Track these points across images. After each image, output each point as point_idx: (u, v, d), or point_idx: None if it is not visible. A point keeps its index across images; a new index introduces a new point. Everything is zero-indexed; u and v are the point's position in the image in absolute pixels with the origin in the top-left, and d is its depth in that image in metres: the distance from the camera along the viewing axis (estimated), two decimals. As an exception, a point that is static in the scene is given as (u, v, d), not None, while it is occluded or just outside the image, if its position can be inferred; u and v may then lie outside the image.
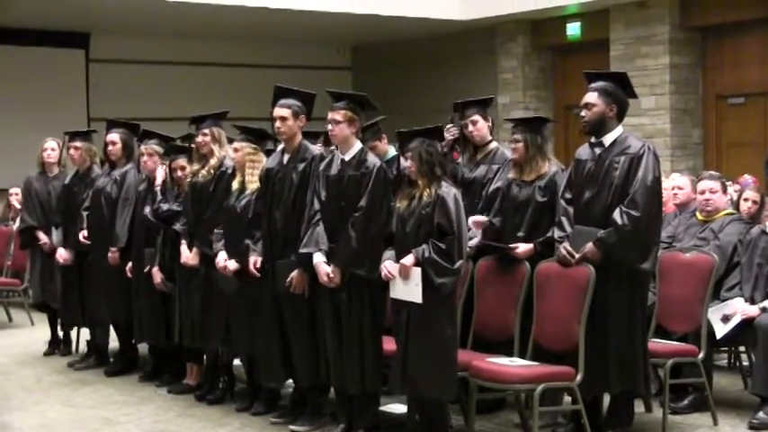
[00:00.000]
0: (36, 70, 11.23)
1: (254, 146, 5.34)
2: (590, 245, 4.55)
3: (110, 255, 6.29)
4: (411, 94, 12.34)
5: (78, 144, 6.72)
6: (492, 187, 5.19)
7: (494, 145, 5.44)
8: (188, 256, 5.67)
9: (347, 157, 4.85)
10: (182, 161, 5.82)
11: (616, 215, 4.50)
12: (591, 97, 4.67)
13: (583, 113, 4.69)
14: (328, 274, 4.73)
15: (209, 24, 11.27)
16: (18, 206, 9.10)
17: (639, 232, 4.48)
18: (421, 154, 4.55)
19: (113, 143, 6.45)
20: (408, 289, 4.48)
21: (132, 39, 11.87)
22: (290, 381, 5.39)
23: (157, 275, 5.89)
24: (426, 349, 4.50)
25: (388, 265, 4.56)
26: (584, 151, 4.79)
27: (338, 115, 4.80)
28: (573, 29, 10.93)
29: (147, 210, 5.95)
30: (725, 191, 5.72)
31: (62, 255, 6.74)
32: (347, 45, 13.62)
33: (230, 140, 5.69)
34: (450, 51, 12.24)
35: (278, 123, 5.06)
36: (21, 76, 11.12)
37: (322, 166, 4.93)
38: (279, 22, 11.12)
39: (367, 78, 12.86)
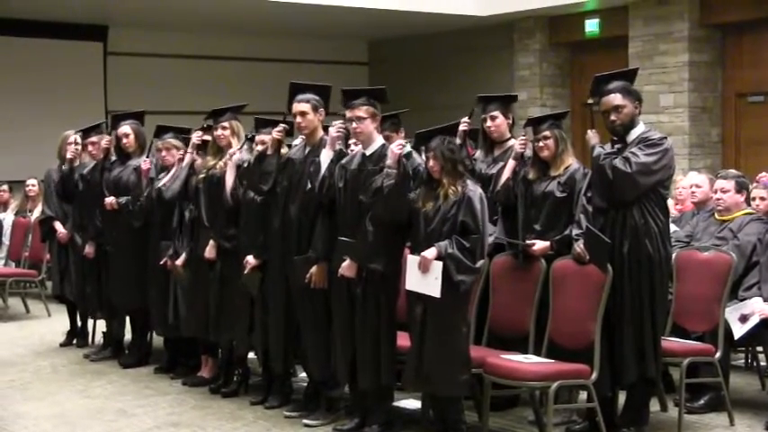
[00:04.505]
0: (54, 63, 11.30)
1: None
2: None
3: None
4: (427, 89, 12.33)
5: (94, 139, 6.76)
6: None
7: (512, 142, 5.40)
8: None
9: (368, 152, 4.85)
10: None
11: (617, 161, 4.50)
12: (616, 99, 4.61)
13: (613, 117, 4.61)
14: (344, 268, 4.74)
15: (226, 18, 11.30)
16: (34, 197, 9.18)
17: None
18: (444, 153, 4.54)
19: (126, 135, 6.49)
20: (426, 282, 4.46)
21: (150, 32, 11.92)
22: (304, 374, 5.41)
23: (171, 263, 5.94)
24: (441, 346, 4.49)
25: (410, 259, 4.53)
26: (606, 149, 4.74)
27: (361, 112, 4.79)
28: (591, 25, 10.89)
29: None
30: (740, 190, 5.66)
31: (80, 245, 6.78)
32: (364, 39, 13.61)
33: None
34: (468, 47, 12.21)
35: (298, 119, 5.07)
36: (39, 69, 11.19)
37: (345, 159, 4.93)
38: (296, 17, 11.13)
39: (383, 73, 12.85)
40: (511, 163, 5.16)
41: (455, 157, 4.56)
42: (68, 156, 6.96)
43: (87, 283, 6.81)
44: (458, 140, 4.88)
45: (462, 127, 5.24)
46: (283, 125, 5.25)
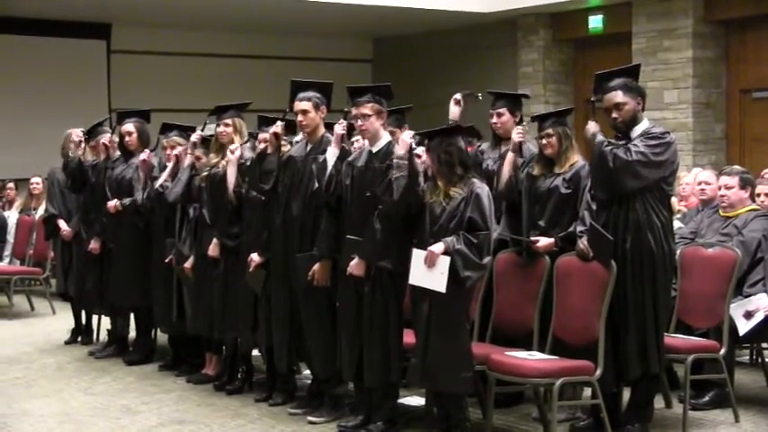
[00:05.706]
0: (57, 61, 11.30)
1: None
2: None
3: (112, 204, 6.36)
4: (431, 86, 12.28)
5: (92, 143, 6.76)
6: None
7: None
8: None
9: (375, 149, 4.84)
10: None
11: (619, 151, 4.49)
12: (617, 96, 4.59)
13: (614, 114, 4.59)
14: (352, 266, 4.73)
15: (229, 16, 11.29)
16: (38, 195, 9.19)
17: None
18: (439, 155, 4.53)
19: (129, 133, 6.50)
20: (432, 277, 4.44)
21: (153, 30, 11.92)
22: (308, 371, 5.42)
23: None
24: (445, 342, 4.49)
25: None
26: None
27: (366, 109, 4.77)
28: (595, 21, 10.86)
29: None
30: (744, 186, 5.64)
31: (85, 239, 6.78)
32: (368, 37, 13.60)
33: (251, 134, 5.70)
34: (471, 44, 12.19)
35: (300, 117, 5.07)
36: (42, 67, 11.20)
37: (351, 156, 4.92)
38: (300, 14, 11.13)
39: (387, 70, 12.84)
40: (510, 156, 5.15)
41: (452, 160, 4.53)
42: (71, 143, 6.91)
43: (87, 278, 6.82)
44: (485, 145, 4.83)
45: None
46: (280, 123, 5.24)
